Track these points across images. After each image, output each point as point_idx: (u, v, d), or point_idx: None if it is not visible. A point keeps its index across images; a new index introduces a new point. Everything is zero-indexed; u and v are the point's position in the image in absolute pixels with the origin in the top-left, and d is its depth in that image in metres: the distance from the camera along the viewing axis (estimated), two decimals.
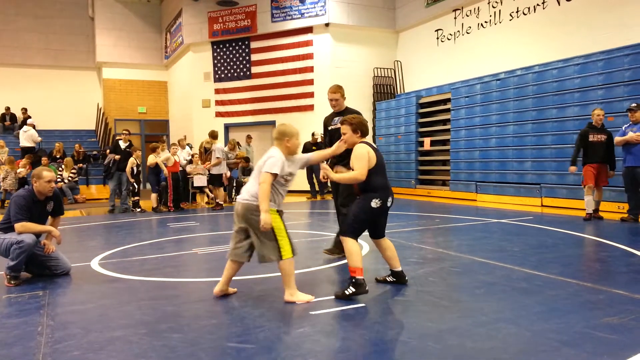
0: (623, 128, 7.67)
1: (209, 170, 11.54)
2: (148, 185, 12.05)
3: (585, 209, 7.90)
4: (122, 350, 2.88)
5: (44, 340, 3.07)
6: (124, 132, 11.51)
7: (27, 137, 15.29)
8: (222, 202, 11.20)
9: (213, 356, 2.76)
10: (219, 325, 3.30)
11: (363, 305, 3.56)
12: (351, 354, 2.74)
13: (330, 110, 5.47)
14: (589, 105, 9.38)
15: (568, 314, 3.30)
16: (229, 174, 12.06)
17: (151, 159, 10.85)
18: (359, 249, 3.82)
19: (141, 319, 3.44)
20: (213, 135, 11.55)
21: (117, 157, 10.86)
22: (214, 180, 11.41)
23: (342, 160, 4.75)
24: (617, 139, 7.64)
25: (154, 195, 11.07)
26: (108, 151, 12.60)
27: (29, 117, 17.54)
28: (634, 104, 7.66)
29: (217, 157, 11.16)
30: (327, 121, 5.52)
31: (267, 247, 3.61)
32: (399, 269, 4.11)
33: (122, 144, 11.13)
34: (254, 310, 3.55)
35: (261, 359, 2.69)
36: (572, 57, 10.31)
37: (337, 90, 5.28)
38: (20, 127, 17.40)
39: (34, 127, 15.77)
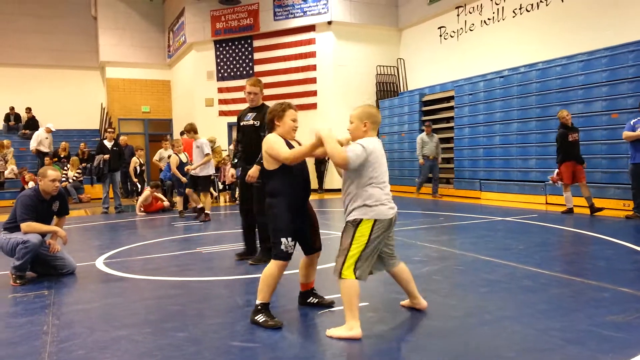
0: (632, 123, 7.40)
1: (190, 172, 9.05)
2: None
3: (565, 205, 8.32)
4: (127, 349, 2.89)
5: (49, 339, 3.08)
6: (109, 130, 11.20)
7: (49, 143, 14.93)
8: (209, 212, 9.03)
9: (217, 355, 2.77)
10: (223, 324, 3.31)
11: (367, 303, 3.56)
12: (355, 352, 2.74)
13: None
14: (594, 102, 9.34)
15: (572, 312, 3.29)
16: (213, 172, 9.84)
17: (174, 158, 9.85)
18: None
19: (146, 318, 3.46)
20: (194, 129, 8.88)
21: (106, 157, 10.45)
22: (201, 183, 8.91)
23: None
24: (627, 133, 7.39)
25: (178, 198, 10.08)
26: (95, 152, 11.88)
27: (33, 117, 17.56)
28: None
29: (208, 154, 8.78)
30: (241, 116, 5.21)
31: None
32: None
33: (108, 143, 10.66)
34: None
35: (265, 357, 2.70)
36: (575, 54, 10.26)
37: (257, 83, 5.05)
38: (25, 127, 17.45)
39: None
